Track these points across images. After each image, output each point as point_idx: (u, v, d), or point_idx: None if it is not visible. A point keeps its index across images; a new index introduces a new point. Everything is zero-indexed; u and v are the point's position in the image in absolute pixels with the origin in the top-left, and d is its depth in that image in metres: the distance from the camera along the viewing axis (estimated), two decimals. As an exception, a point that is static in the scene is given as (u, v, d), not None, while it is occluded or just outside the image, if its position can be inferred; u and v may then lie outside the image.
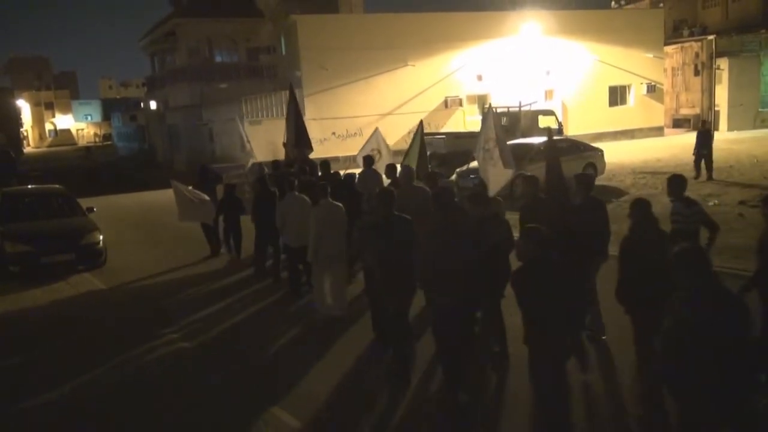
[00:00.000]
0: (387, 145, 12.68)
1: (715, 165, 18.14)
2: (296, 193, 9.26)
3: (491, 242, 6.04)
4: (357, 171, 11.99)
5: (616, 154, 23.89)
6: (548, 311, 4.55)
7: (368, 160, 11.50)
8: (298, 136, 13.83)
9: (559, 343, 4.68)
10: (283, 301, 9.53)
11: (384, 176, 10.92)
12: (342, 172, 11.45)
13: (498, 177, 8.98)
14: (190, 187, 12.45)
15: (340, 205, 8.32)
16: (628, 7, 45.30)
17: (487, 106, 11.03)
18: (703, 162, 17.84)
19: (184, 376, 7.09)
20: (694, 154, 18.13)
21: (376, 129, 14.21)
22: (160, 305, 9.70)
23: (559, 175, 6.80)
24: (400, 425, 5.72)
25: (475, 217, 6.46)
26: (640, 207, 5.77)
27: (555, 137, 20.06)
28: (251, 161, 14.71)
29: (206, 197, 12.29)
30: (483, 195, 7.36)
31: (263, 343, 7.89)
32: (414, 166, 10.46)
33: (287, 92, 29.24)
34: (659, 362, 4.19)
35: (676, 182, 6.64)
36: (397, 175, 9.62)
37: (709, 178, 17.62)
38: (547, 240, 4.72)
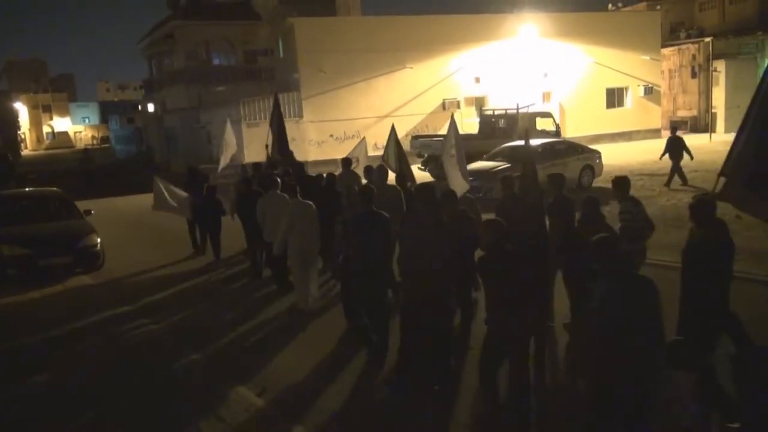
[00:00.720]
0: (366, 154, 13.33)
1: (713, 167, 18.16)
2: (278, 191, 9.62)
3: (460, 238, 6.24)
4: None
5: (613, 156, 23.92)
6: (505, 295, 4.91)
7: (347, 162, 11.96)
8: (279, 142, 14.35)
9: (516, 325, 4.97)
10: (269, 296, 9.85)
11: (362, 177, 11.45)
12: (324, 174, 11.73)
13: (458, 184, 9.35)
14: (172, 186, 13.02)
15: (310, 203, 8.75)
16: (625, 9, 45.39)
17: (453, 113, 11.52)
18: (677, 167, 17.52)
19: (160, 357, 7.59)
20: (660, 159, 17.83)
21: (363, 138, 14.78)
22: (147, 300, 10.15)
23: (534, 177, 7.10)
24: (361, 405, 6.10)
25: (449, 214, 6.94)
26: (590, 204, 6.35)
27: (552, 139, 20.10)
28: (227, 162, 15.19)
29: (185, 194, 12.82)
30: (453, 193, 7.75)
31: (242, 331, 8.38)
32: (393, 166, 11.38)
33: (285, 95, 29.44)
34: (582, 341, 4.64)
35: (621, 184, 7.09)
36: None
37: (667, 184, 17.38)
38: (503, 231, 5.11)
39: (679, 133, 19.33)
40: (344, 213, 8.34)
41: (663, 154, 17.93)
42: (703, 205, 5.22)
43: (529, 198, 6.80)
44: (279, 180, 10.00)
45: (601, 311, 4.21)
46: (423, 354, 5.87)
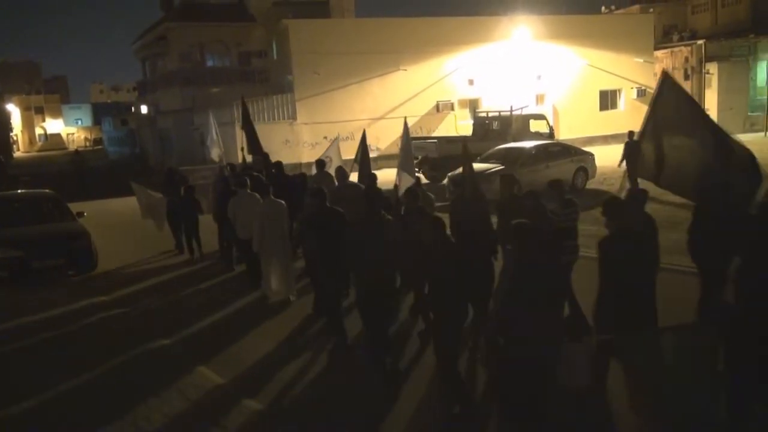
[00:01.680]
0: (340, 156, 13.78)
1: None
2: (248, 191, 10.19)
3: (414, 232, 6.55)
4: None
5: (606, 158, 23.94)
6: (448, 283, 5.40)
7: (320, 164, 12.47)
8: (251, 143, 14.65)
9: (457, 311, 5.48)
10: (240, 290, 10.38)
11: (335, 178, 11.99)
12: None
13: (404, 179, 10.19)
14: (148, 191, 13.84)
15: (281, 201, 9.40)
16: (618, 12, 45.61)
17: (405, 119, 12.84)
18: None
19: (132, 341, 8.08)
20: (619, 166, 17.11)
21: (336, 139, 15.40)
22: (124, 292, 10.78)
23: (474, 180, 7.97)
24: (318, 384, 6.76)
25: (408, 209, 7.88)
26: (533, 199, 7.12)
27: (546, 141, 20.14)
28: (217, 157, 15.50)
29: (159, 196, 13.48)
30: (414, 191, 8.36)
31: (210, 319, 9.08)
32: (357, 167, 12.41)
33: (279, 96, 29.44)
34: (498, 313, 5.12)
35: (556, 186, 7.75)
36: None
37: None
38: (443, 226, 5.65)
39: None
40: (304, 211, 8.95)
41: (621, 161, 17.07)
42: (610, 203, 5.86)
43: (527, 199, 7.33)
44: (248, 180, 10.52)
45: (512, 289, 4.81)
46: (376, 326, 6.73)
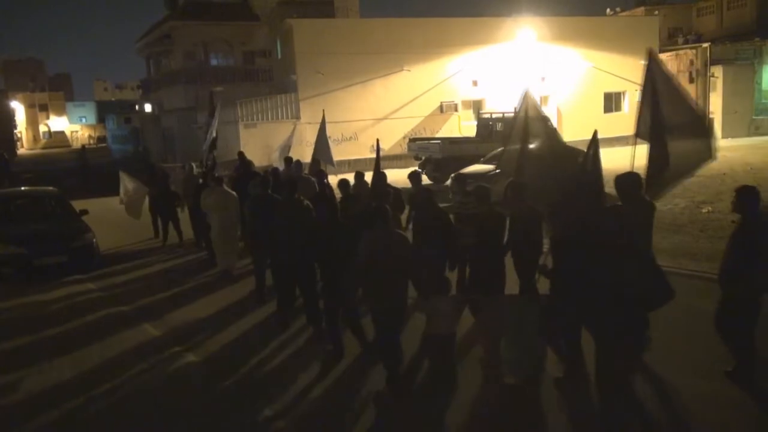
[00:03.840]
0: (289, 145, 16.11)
1: (709, 173, 18.14)
2: (215, 185, 11.46)
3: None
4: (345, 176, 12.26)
5: (611, 161, 23.86)
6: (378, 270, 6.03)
7: (288, 160, 13.79)
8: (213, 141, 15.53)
9: (386, 295, 6.09)
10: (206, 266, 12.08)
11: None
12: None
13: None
14: (136, 181, 14.93)
15: (233, 192, 11.04)
16: (623, 14, 45.51)
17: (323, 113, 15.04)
18: None
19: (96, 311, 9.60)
20: None
21: (293, 130, 17.70)
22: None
23: (384, 182, 9.04)
24: (249, 340, 8.01)
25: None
26: (425, 194, 7.91)
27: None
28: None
29: (145, 187, 14.62)
30: (346, 181, 10.01)
31: (171, 291, 10.59)
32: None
33: (283, 96, 29.45)
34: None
35: (458, 179, 9.33)
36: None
37: None
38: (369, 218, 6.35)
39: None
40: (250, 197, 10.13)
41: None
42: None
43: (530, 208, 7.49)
44: (215, 175, 12.14)
45: (363, 254, 5.98)
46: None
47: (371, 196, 9.52)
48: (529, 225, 7.01)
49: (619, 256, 4.96)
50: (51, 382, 6.98)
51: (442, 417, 5.77)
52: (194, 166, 14.66)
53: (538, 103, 7.54)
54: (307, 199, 8.32)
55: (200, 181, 13.03)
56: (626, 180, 6.61)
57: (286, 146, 17.35)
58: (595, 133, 7.13)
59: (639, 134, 7.56)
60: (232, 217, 10.84)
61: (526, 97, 7.22)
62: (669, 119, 7.19)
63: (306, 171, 13.61)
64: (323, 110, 13.92)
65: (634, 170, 7.02)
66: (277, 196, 8.59)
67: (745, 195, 5.67)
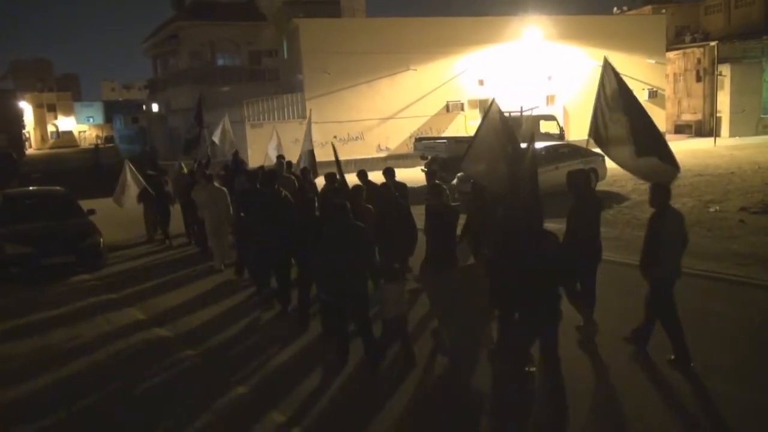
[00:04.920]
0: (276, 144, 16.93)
1: (717, 171, 18.11)
2: (205, 182, 12.00)
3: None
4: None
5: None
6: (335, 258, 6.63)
7: (280, 159, 14.81)
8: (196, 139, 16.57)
9: (342, 278, 6.59)
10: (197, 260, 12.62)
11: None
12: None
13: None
14: (138, 176, 15.15)
15: (223, 189, 11.50)
16: (630, 12, 45.31)
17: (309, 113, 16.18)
18: None
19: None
20: None
21: (274, 131, 18.04)
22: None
23: (343, 179, 9.67)
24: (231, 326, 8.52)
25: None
26: (383, 190, 8.99)
27: (556, 142, 20.01)
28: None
29: (141, 180, 14.98)
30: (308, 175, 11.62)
31: (162, 279, 11.29)
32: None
33: (289, 96, 29.49)
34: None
35: (388, 172, 10.21)
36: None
37: None
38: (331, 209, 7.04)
39: (683, 136, 19.29)
40: (241, 187, 10.98)
41: None
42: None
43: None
44: (204, 172, 12.69)
45: (325, 241, 6.68)
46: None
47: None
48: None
49: (533, 239, 5.58)
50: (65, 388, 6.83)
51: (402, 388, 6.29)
52: (183, 166, 15.42)
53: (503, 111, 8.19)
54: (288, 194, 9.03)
55: (190, 179, 13.64)
56: (577, 176, 7.24)
57: (278, 145, 18.10)
58: (532, 135, 7.60)
59: (590, 134, 8.27)
60: (222, 213, 11.24)
61: (492, 106, 7.76)
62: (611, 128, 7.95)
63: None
64: (309, 110, 14.48)
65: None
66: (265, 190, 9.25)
67: (658, 192, 6.36)
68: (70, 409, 6.24)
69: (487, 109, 8.08)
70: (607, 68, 8.43)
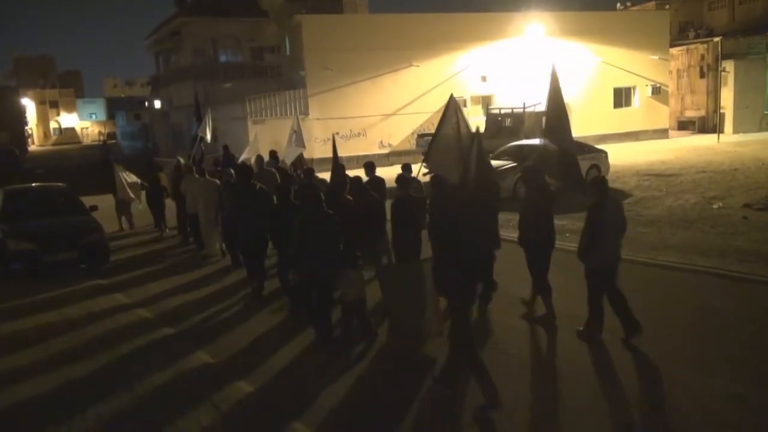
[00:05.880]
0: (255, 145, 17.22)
1: (720, 167, 18.05)
2: (195, 175, 12.96)
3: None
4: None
5: (620, 156, 23.84)
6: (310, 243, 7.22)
7: (271, 154, 15.23)
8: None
9: (313, 263, 7.18)
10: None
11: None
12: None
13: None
14: (132, 174, 16.39)
15: (216, 181, 12.24)
16: (634, 8, 45.14)
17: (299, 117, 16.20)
18: None
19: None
20: None
21: (255, 135, 18.49)
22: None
23: (343, 171, 10.23)
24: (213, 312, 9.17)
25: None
26: (355, 182, 9.48)
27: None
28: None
29: (136, 179, 16.15)
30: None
31: (157, 266, 12.19)
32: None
33: (291, 92, 29.46)
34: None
35: (405, 169, 10.11)
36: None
37: None
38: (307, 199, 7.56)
39: (686, 132, 19.25)
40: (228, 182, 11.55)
41: None
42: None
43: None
44: (191, 166, 13.66)
45: (298, 229, 7.22)
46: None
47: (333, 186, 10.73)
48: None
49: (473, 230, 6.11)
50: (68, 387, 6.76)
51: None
52: (180, 160, 16.03)
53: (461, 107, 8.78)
54: (270, 189, 9.70)
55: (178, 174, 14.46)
56: (530, 172, 7.98)
57: (254, 143, 18.16)
58: (477, 129, 7.89)
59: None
60: (214, 204, 11.84)
61: (450, 101, 8.42)
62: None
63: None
64: (296, 110, 14.78)
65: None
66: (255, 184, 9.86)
67: (599, 185, 7.01)
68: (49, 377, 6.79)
69: (446, 104, 8.66)
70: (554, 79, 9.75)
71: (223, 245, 12.09)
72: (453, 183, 7.56)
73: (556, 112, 9.66)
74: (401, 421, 5.55)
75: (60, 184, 15.09)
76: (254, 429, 5.67)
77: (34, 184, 16.54)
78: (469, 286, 5.81)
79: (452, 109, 8.36)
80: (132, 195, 16.14)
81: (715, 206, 14.40)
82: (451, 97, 8.51)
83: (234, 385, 6.35)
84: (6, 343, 8.11)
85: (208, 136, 17.54)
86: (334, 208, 7.94)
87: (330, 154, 12.53)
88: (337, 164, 11.60)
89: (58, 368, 7.08)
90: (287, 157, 15.10)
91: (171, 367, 6.93)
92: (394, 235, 8.61)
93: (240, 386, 6.32)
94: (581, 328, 7.04)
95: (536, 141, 18.92)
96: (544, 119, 9.64)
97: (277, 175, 12.26)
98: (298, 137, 15.16)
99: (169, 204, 15.13)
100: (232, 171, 11.39)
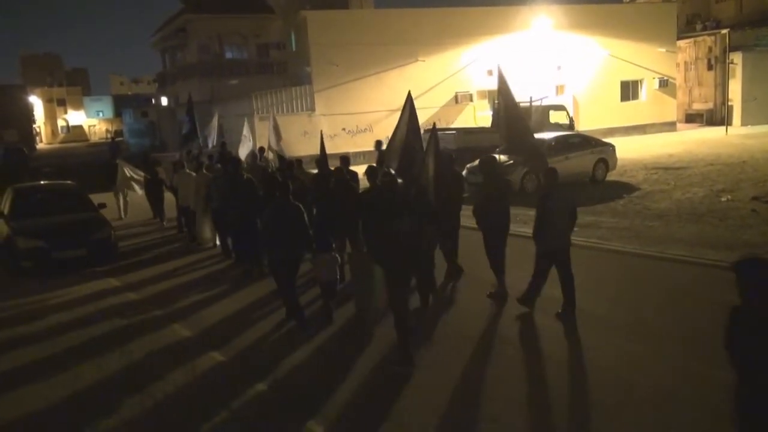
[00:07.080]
0: (251, 137, 18.39)
1: (729, 160, 17.94)
2: (186, 170, 13.81)
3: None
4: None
5: (627, 150, 23.72)
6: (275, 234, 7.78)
7: (261, 150, 16.87)
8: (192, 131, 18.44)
9: (280, 248, 7.78)
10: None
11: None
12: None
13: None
14: (136, 169, 17.52)
15: (209, 174, 12.53)
16: (641, 0, 44.88)
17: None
18: None
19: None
20: None
21: (244, 135, 18.34)
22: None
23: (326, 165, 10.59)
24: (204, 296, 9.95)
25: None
26: (338, 174, 9.78)
27: (566, 132, 19.92)
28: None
29: (140, 173, 17.27)
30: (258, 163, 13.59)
31: (152, 253, 13.16)
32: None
33: (298, 88, 29.47)
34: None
35: (374, 166, 10.38)
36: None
37: None
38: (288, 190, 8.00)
39: (693, 125, 19.16)
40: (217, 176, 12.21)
41: None
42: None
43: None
44: (183, 162, 14.69)
45: (266, 217, 7.83)
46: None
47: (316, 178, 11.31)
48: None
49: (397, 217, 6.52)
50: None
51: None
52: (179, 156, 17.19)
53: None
54: (257, 180, 10.57)
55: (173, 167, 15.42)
56: (486, 161, 8.92)
57: (246, 138, 18.77)
58: (434, 124, 9.08)
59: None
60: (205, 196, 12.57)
61: (407, 100, 9.16)
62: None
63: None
64: (272, 112, 15.84)
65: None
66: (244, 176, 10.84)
67: (549, 174, 7.67)
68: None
69: (405, 102, 9.33)
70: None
71: (217, 238, 12.70)
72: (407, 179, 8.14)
73: (513, 113, 10.86)
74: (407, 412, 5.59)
75: (68, 182, 15.18)
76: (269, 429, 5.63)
77: (42, 182, 16.64)
78: (394, 265, 6.44)
79: (408, 107, 9.18)
80: (133, 184, 17.39)
81: (723, 199, 14.33)
82: (408, 95, 9.36)
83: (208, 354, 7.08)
84: (6, 342, 8.14)
85: (211, 138, 18.62)
86: (321, 198, 9.06)
87: (335, 150, 12.75)
88: (324, 158, 11.77)
89: (67, 365, 7.16)
90: (278, 152, 16.67)
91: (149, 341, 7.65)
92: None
93: (257, 388, 6.23)
94: (560, 311, 7.51)
95: (546, 135, 18.87)
96: (502, 121, 11.17)
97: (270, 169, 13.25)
98: (277, 133, 16.73)
99: (169, 197, 15.84)
100: (219, 166, 12.57)
